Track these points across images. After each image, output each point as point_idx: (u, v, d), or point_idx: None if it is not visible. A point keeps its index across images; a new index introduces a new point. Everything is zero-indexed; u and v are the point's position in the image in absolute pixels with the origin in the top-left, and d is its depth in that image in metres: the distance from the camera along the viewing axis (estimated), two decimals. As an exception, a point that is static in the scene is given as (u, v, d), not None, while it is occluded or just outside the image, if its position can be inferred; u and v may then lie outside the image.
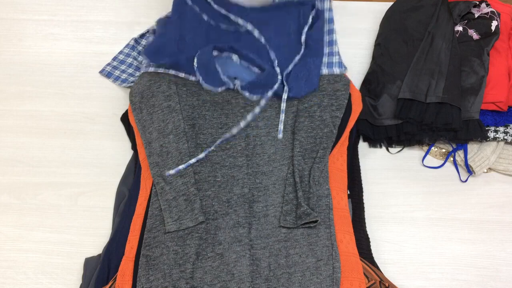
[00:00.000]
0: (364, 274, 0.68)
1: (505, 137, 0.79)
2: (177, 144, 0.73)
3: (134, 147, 0.81)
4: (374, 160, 0.82)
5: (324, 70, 0.80)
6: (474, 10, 0.86)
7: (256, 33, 0.82)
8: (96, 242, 0.74)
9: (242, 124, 0.74)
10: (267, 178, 0.72)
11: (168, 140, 0.73)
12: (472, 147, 0.81)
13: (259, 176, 0.72)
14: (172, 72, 0.78)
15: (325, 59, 0.82)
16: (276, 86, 0.76)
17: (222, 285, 0.65)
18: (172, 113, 0.75)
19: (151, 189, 0.73)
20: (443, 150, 0.83)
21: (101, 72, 0.90)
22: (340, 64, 0.81)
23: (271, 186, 0.72)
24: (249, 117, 0.74)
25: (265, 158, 0.74)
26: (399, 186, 0.80)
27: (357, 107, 0.80)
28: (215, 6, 0.85)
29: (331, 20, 0.86)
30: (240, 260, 0.66)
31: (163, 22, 0.83)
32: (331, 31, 0.85)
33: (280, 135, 0.74)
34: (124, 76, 0.89)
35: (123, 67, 0.91)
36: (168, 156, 0.73)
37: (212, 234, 0.68)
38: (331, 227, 0.69)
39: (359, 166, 0.80)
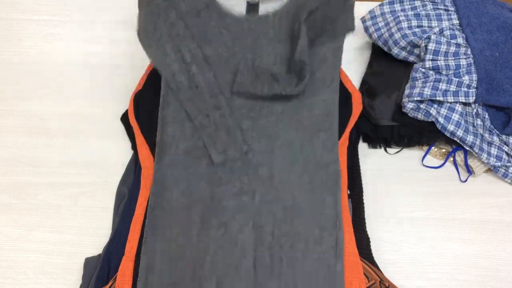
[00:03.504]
0: (364, 274, 0.68)
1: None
2: (203, 76, 0.71)
3: (134, 147, 0.81)
4: (374, 160, 0.82)
5: None
6: None
7: None
8: (96, 242, 0.74)
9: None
10: (272, 141, 0.71)
11: (192, 72, 0.71)
12: (472, 147, 0.81)
13: (265, 139, 0.71)
14: None
15: None
16: None
17: (226, 254, 0.65)
18: (184, 41, 0.72)
19: (151, 189, 0.73)
20: (443, 150, 0.83)
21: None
22: None
23: (277, 148, 0.70)
24: None
25: (272, 120, 0.72)
26: (399, 186, 0.80)
27: (357, 108, 0.80)
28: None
29: None
30: (243, 229, 0.66)
31: None
32: None
33: None
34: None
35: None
36: (198, 89, 0.71)
37: (216, 202, 0.68)
38: (337, 195, 0.68)
39: (359, 166, 0.80)
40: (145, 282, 0.65)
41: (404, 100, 0.79)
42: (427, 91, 0.77)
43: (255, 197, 0.68)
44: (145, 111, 0.80)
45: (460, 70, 0.79)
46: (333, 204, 0.68)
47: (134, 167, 0.80)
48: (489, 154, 0.78)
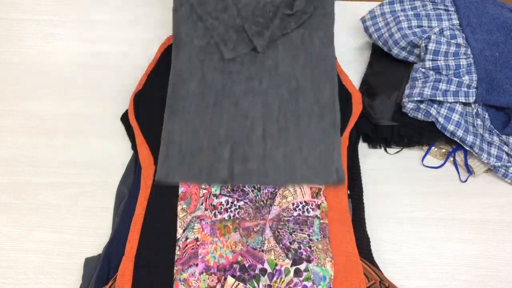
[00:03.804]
0: (364, 274, 0.68)
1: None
2: None
3: (134, 147, 0.81)
4: (374, 160, 0.82)
5: None
6: None
7: None
8: (96, 242, 0.74)
9: None
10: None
11: None
12: (472, 147, 0.81)
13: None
14: None
15: None
16: None
17: (238, 126, 0.74)
18: None
19: (151, 189, 0.73)
20: (443, 150, 0.83)
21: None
22: None
23: (280, 44, 0.79)
24: None
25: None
26: (399, 186, 0.80)
27: (357, 108, 0.80)
28: None
29: None
30: (253, 106, 0.75)
31: None
32: None
33: None
34: None
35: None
36: None
37: (228, 88, 0.77)
38: (334, 82, 0.78)
39: (359, 166, 0.80)
40: (167, 152, 0.73)
41: (404, 100, 0.79)
42: (427, 91, 0.77)
43: (263, 82, 0.77)
44: (145, 111, 0.80)
45: (460, 70, 0.79)
46: (331, 89, 0.77)
47: (134, 167, 0.80)
48: (489, 154, 0.78)
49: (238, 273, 0.67)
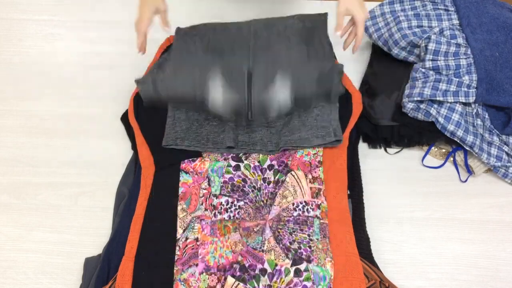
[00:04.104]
0: (364, 274, 0.68)
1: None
2: None
3: (134, 147, 0.81)
4: (374, 160, 0.82)
5: None
6: None
7: None
8: (96, 242, 0.74)
9: None
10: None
11: None
12: (472, 147, 0.81)
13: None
14: None
15: None
16: None
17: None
18: None
19: (151, 189, 0.73)
20: (443, 150, 0.83)
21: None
22: None
23: (270, 22, 0.85)
24: None
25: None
26: (399, 186, 0.80)
27: (357, 108, 0.80)
28: None
29: None
30: (242, 61, 0.79)
31: None
32: None
33: None
34: None
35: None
36: None
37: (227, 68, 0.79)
38: (331, 57, 0.83)
39: (359, 166, 0.80)
40: (174, 119, 0.79)
41: (404, 100, 0.79)
42: (427, 91, 0.77)
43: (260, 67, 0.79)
44: (145, 111, 0.80)
45: (460, 70, 0.79)
46: (329, 65, 0.80)
47: (134, 167, 0.80)
48: (489, 154, 0.78)
49: (238, 273, 0.67)
